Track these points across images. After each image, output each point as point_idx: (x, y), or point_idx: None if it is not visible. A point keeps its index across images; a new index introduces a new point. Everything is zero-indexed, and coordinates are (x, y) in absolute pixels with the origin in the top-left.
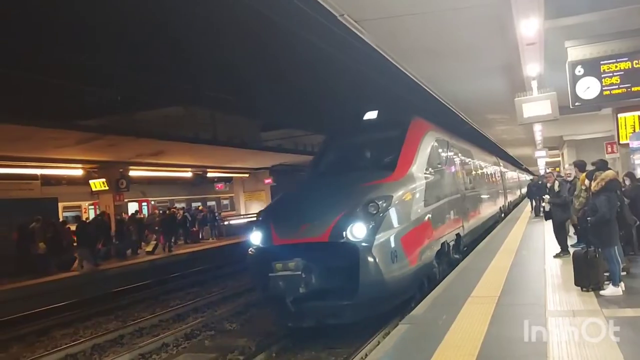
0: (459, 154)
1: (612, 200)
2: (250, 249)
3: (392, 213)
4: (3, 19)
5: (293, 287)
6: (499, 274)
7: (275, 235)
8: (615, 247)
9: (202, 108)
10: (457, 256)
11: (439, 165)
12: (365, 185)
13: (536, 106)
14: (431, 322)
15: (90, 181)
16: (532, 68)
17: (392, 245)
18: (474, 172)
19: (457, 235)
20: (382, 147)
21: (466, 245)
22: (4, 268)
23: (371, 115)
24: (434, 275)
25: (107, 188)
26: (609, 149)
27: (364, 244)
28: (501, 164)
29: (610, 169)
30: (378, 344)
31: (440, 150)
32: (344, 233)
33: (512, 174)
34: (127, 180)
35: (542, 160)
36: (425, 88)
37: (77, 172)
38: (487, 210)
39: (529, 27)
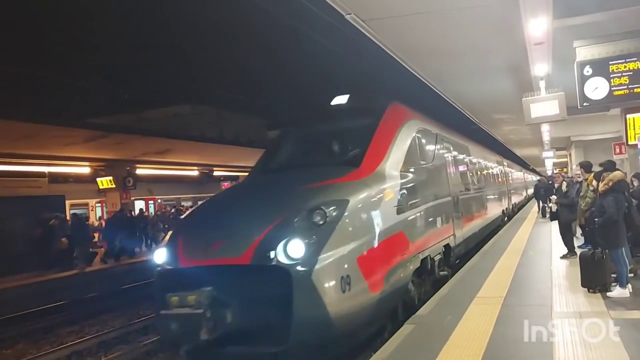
0: (452, 150)
1: (620, 201)
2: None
3: (347, 223)
4: (8, 16)
5: (191, 332)
6: (505, 274)
7: (182, 254)
8: (623, 249)
9: (208, 107)
10: (444, 272)
11: (423, 162)
12: (314, 185)
13: (544, 106)
14: (436, 322)
15: (97, 179)
16: (540, 68)
17: (344, 267)
18: (470, 172)
19: (446, 246)
20: (348, 138)
21: (459, 257)
22: (20, 264)
23: (340, 100)
24: (412, 300)
25: (114, 186)
26: (617, 150)
27: (300, 267)
28: (505, 163)
29: (618, 169)
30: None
31: (425, 143)
32: (273, 252)
33: (518, 174)
34: (134, 178)
35: (549, 161)
36: (432, 87)
37: (84, 170)
38: (487, 214)
39: (537, 26)
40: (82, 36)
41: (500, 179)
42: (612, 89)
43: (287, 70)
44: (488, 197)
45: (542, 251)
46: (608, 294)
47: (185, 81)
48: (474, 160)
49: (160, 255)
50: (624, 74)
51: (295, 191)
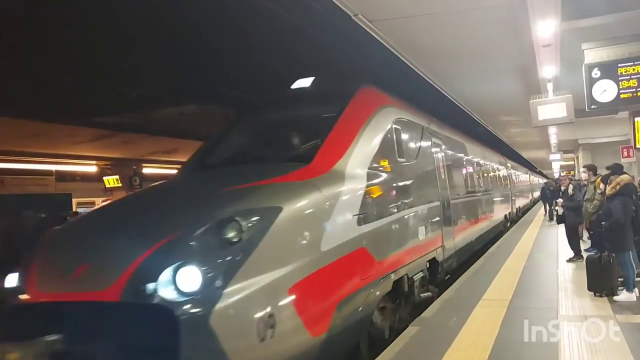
0: (444, 147)
1: (627, 205)
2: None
3: (276, 240)
4: (13, 14)
5: None
6: (511, 277)
7: (32, 284)
8: (630, 252)
9: (216, 106)
10: (427, 294)
11: (402, 160)
12: (236, 188)
13: (551, 109)
14: (441, 324)
15: (104, 178)
16: (548, 70)
17: (266, 302)
18: (467, 173)
19: (432, 261)
20: (303, 127)
21: (450, 272)
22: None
23: (302, 83)
24: (380, 333)
25: (120, 185)
26: (625, 153)
27: (194, 305)
28: (509, 165)
29: (625, 173)
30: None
31: (405, 137)
32: (153, 284)
33: (524, 177)
34: (140, 177)
35: (556, 164)
36: (438, 88)
37: (91, 168)
38: (486, 220)
39: (546, 28)
40: (91, 35)
41: (502, 182)
42: (621, 91)
43: (294, 71)
44: (488, 201)
45: (549, 254)
46: (615, 298)
47: (192, 80)
48: (472, 160)
49: (10, 283)
50: (632, 76)
51: (208, 196)
